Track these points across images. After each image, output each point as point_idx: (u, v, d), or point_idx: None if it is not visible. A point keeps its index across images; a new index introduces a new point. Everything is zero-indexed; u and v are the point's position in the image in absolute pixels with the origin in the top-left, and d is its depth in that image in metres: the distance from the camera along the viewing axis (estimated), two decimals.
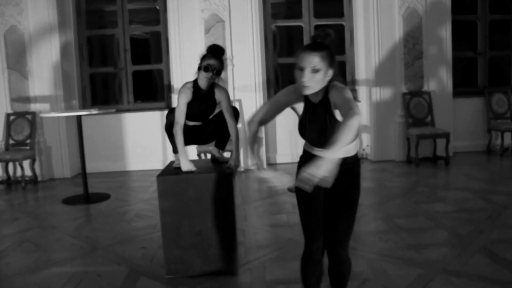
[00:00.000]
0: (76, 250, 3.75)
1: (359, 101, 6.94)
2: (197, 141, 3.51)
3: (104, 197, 5.43)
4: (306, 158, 2.08)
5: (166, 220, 3.07)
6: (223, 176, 3.06)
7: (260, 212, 4.62)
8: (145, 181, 6.23)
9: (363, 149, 7.05)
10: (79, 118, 5.29)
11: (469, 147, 7.19)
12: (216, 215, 3.06)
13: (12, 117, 6.53)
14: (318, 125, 2.05)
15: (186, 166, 3.13)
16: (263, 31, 6.90)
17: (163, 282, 3.05)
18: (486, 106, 7.18)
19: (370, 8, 6.72)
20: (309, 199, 2.14)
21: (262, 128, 6.80)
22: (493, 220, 3.98)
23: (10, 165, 6.45)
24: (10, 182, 6.42)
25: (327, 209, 2.15)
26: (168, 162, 4.90)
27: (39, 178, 6.51)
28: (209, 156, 5.71)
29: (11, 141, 6.50)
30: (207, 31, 6.54)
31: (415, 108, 6.76)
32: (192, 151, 6.17)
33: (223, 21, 6.56)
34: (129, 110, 7.11)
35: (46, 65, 6.51)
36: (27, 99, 6.55)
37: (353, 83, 7.21)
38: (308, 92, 1.98)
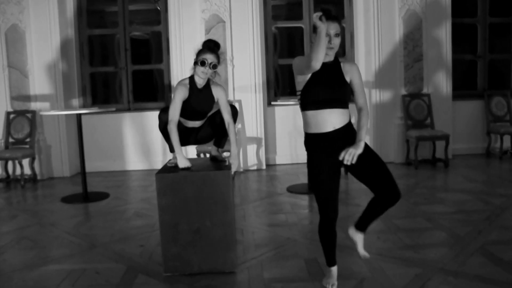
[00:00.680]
0: (74, 247, 3.75)
1: None
2: (196, 141, 3.50)
3: (103, 196, 5.44)
4: (317, 139, 2.56)
5: (164, 217, 3.07)
6: (221, 174, 3.07)
7: (258, 212, 4.63)
8: (144, 180, 6.24)
9: None
10: (79, 117, 5.30)
11: (468, 149, 7.20)
12: (215, 212, 3.06)
13: (12, 116, 6.54)
14: (332, 81, 2.52)
15: (182, 162, 3.12)
16: (263, 32, 6.92)
17: (161, 279, 3.05)
18: (485, 109, 7.19)
19: (370, 10, 6.74)
20: (329, 178, 2.58)
21: (262, 129, 6.85)
22: (491, 221, 3.98)
23: (10, 164, 6.46)
24: (9, 181, 6.43)
25: (368, 169, 2.58)
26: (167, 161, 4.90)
27: (39, 177, 6.52)
28: (208, 155, 5.72)
29: (11, 140, 6.51)
30: (207, 31, 6.55)
31: (415, 110, 6.77)
32: (191, 150, 6.18)
33: (224, 22, 6.58)
34: (129, 110, 7.13)
35: (47, 64, 6.53)
36: (27, 98, 6.56)
37: None
38: (331, 53, 2.50)
